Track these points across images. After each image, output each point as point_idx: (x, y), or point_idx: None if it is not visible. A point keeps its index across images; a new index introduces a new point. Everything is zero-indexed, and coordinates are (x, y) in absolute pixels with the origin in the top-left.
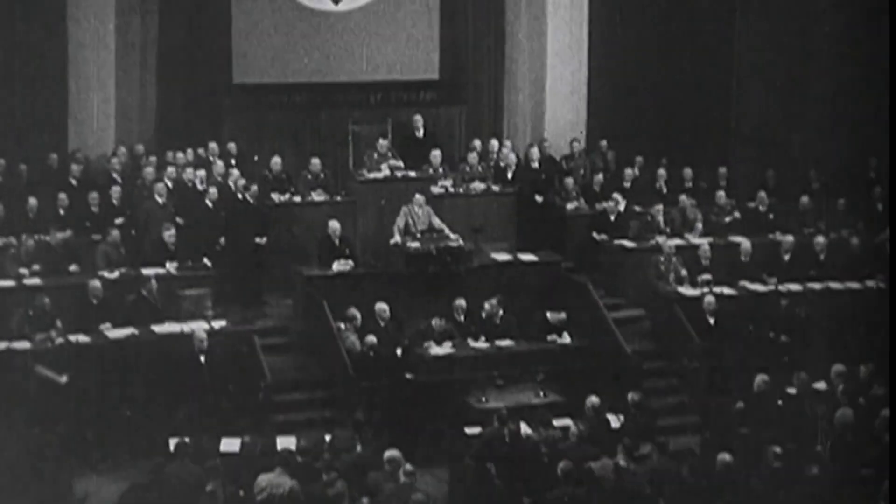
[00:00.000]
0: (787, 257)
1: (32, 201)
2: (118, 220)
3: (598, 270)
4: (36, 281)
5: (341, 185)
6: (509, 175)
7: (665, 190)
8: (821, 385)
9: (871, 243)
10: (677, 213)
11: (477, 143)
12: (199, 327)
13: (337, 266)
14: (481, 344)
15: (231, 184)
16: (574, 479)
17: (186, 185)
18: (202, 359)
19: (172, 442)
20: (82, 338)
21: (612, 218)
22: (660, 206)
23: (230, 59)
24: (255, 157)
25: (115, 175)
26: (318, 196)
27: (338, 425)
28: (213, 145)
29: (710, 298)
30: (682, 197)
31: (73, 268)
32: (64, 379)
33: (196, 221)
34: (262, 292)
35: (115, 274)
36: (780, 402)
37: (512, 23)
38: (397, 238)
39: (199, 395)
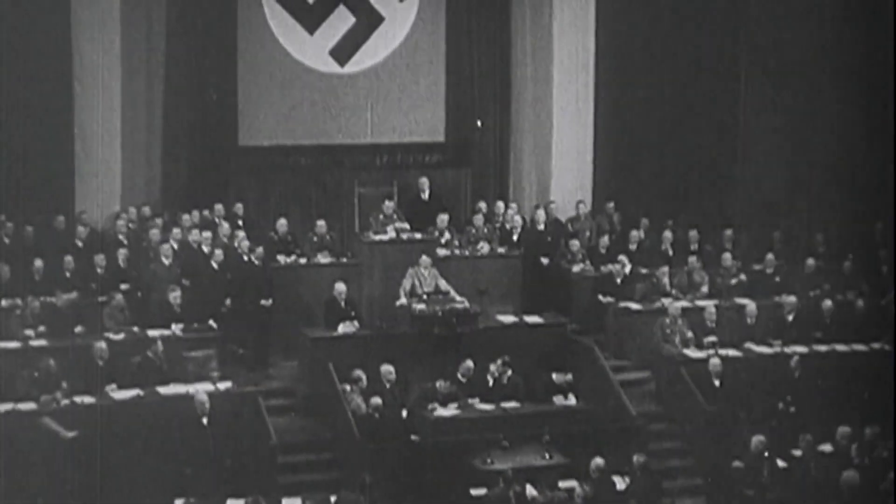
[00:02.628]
0: (790, 318)
1: (38, 263)
2: (124, 286)
3: (603, 332)
4: (42, 342)
5: (347, 247)
6: (515, 237)
7: (671, 252)
8: (826, 447)
9: (876, 306)
10: (684, 276)
11: (483, 205)
12: (203, 389)
13: (342, 328)
14: (487, 406)
15: (237, 246)
16: None
17: (192, 246)
18: (206, 420)
19: (178, 503)
20: (88, 399)
21: (618, 280)
22: (665, 269)
23: (236, 121)
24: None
25: (121, 237)
26: (323, 258)
27: (343, 487)
28: (218, 207)
29: (715, 361)
30: (692, 259)
31: (78, 329)
32: (71, 434)
33: (202, 283)
34: (268, 354)
35: (121, 335)
36: (785, 464)
37: (517, 85)
38: (403, 300)
39: (204, 456)
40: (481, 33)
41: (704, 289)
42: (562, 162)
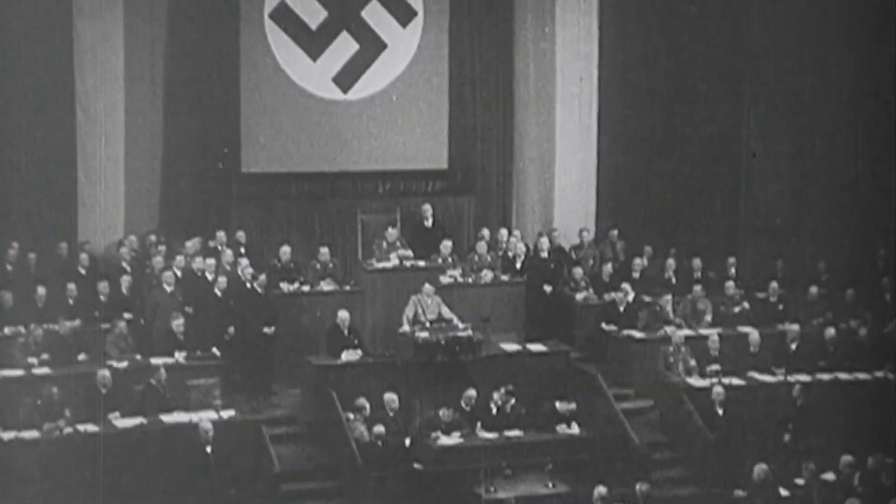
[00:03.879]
0: (793, 346)
1: (41, 290)
2: (127, 314)
3: (606, 361)
4: (45, 370)
5: (350, 274)
6: (518, 265)
7: (674, 280)
8: (829, 476)
9: (879, 334)
10: (687, 304)
11: (486, 232)
12: (207, 417)
13: (346, 356)
14: (490, 434)
15: (240, 273)
16: None
17: (195, 274)
18: (209, 449)
19: None
20: (91, 427)
21: (621, 308)
22: (669, 297)
23: (239, 148)
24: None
25: (124, 264)
26: (326, 286)
27: None
28: (221, 234)
29: (718, 389)
30: (695, 287)
31: (81, 357)
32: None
33: (205, 311)
34: (271, 382)
35: (124, 363)
36: (788, 493)
37: (520, 112)
38: (406, 328)
39: (207, 484)
40: (484, 60)
41: (708, 317)
42: (565, 189)
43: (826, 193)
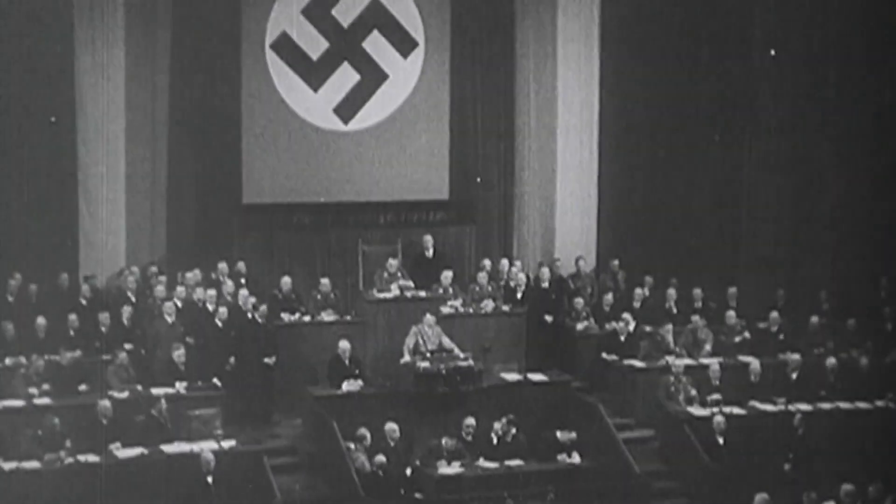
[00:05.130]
0: (794, 376)
1: (42, 321)
2: (128, 345)
3: (607, 390)
4: (45, 401)
5: (351, 305)
6: (519, 295)
7: (675, 310)
8: None
9: (880, 363)
10: (688, 334)
11: (487, 262)
12: (208, 447)
13: (347, 386)
14: (491, 464)
15: (241, 304)
16: None
17: (196, 304)
18: (210, 479)
19: None
20: (92, 457)
21: (622, 338)
22: (669, 326)
23: (240, 179)
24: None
25: (128, 294)
26: (327, 316)
27: None
28: (222, 265)
29: (719, 418)
30: (695, 318)
31: (82, 388)
32: None
33: (206, 341)
34: (272, 412)
35: (125, 394)
36: None
37: (521, 143)
38: (407, 358)
39: None
40: (485, 91)
41: (708, 347)
42: (566, 220)
43: (827, 224)
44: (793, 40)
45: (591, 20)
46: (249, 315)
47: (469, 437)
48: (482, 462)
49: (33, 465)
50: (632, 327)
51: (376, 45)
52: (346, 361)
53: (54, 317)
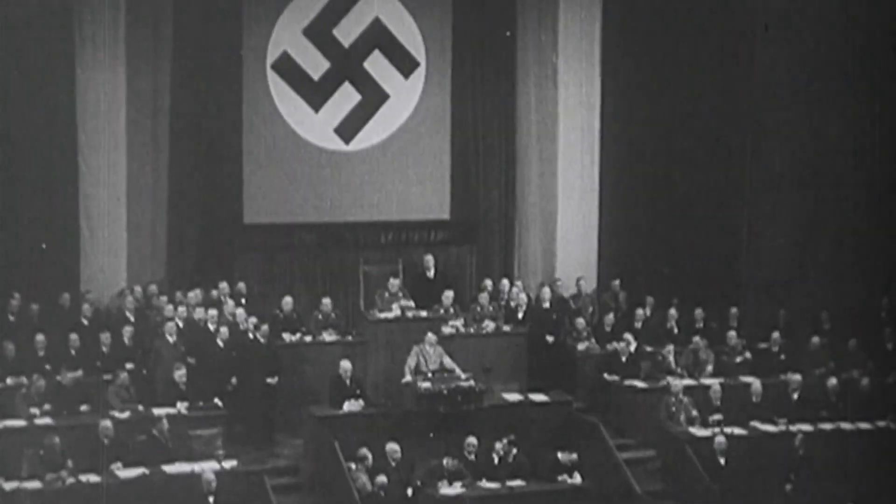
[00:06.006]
0: (795, 396)
1: (43, 341)
2: (129, 364)
3: (608, 411)
4: (47, 421)
5: (352, 325)
6: (520, 315)
7: (676, 330)
8: None
9: (881, 384)
10: (689, 354)
11: (488, 282)
12: (209, 467)
13: (348, 406)
14: (492, 484)
15: (242, 324)
16: None
17: (197, 324)
18: (212, 499)
19: None
20: (93, 478)
21: (623, 358)
22: (671, 347)
23: (241, 199)
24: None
25: (127, 314)
26: (329, 336)
27: None
28: (223, 285)
29: (720, 439)
30: (696, 338)
31: (83, 408)
32: None
33: (207, 361)
34: (273, 432)
35: (126, 414)
36: None
37: (522, 163)
38: (408, 378)
39: None
40: (486, 111)
41: (710, 367)
42: (567, 240)
43: (828, 243)
44: (796, 61)
45: (591, 41)
46: (251, 335)
47: (470, 456)
48: (483, 483)
49: (35, 485)
50: (633, 348)
51: (377, 65)
52: (348, 381)
53: (55, 336)
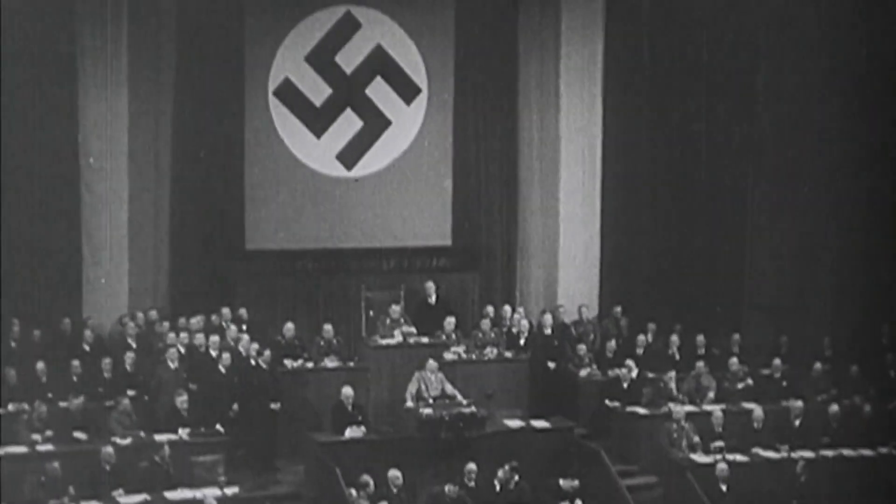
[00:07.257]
0: (797, 422)
1: (45, 367)
2: (130, 391)
3: (610, 437)
4: (48, 447)
5: (354, 351)
6: (522, 341)
7: (678, 357)
8: None
9: (883, 410)
10: (691, 380)
11: (490, 309)
12: (211, 494)
13: (350, 432)
14: None
15: (244, 350)
16: None
17: (199, 350)
18: None
19: None
20: None
21: (625, 385)
22: (672, 373)
23: (243, 225)
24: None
25: (129, 340)
26: (330, 362)
27: None
28: (225, 311)
29: (722, 466)
30: (699, 364)
31: (85, 434)
32: None
33: (209, 387)
34: (275, 458)
35: (128, 440)
36: None
37: (524, 189)
38: (410, 404)
39: None
40: (488, 137)
41: (711, 394)
42: (569, 266)
43: (830, 270)
44: (796, 87)
45: (594, 69)
46: (253, 361)
47: (472, 483)
48: None
49: None
50: (635, 374)
51: (379, 92)
52: (349, 408)
53: (57, 362)
